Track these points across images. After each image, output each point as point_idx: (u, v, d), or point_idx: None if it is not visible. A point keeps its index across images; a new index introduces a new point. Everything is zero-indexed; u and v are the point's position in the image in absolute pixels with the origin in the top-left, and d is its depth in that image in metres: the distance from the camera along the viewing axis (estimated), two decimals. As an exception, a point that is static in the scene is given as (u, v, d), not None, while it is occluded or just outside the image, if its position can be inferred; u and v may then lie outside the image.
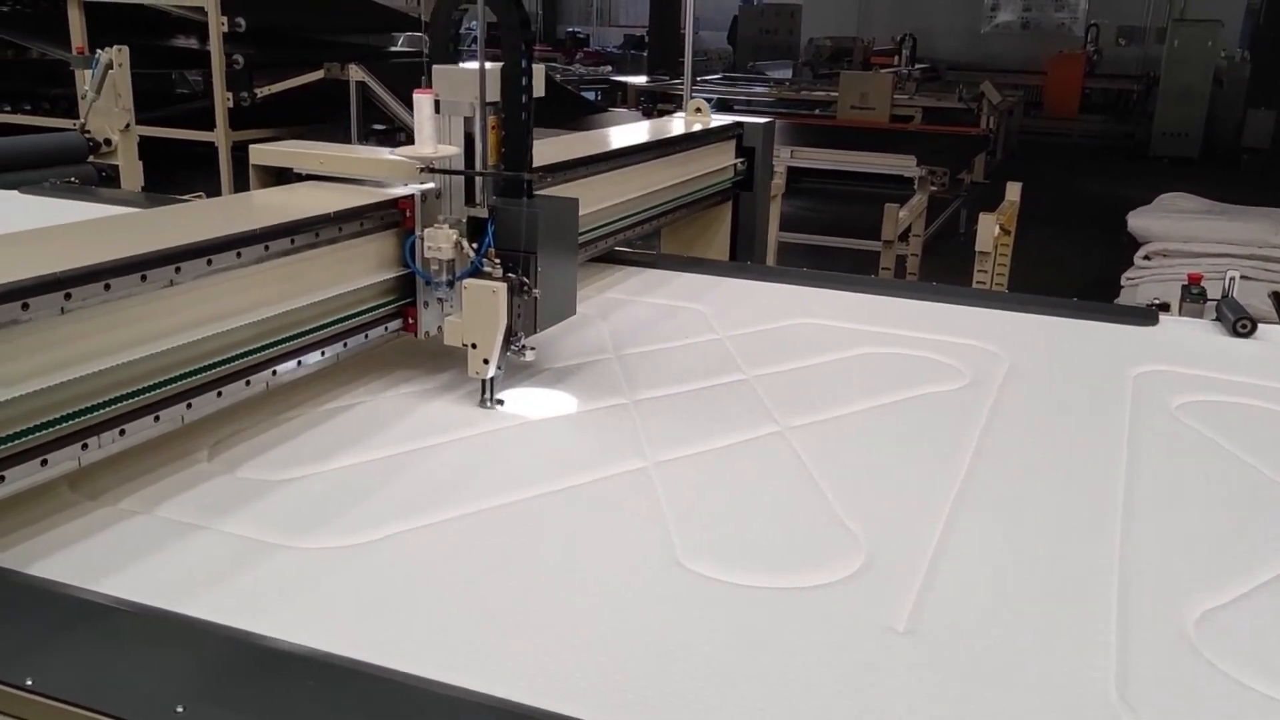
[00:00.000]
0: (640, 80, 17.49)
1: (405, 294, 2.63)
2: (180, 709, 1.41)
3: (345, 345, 2.50)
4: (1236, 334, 3.12)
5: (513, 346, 2.50)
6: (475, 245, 2.50)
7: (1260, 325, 3.12)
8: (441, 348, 2.58)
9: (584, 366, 2.83)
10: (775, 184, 6.90)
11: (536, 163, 2.54)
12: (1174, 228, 7.67)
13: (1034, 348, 3.01)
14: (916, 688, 1.55)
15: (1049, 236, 9.75)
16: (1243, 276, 3.63)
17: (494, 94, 2.48)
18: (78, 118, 6.03)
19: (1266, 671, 1.61)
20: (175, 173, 7.13)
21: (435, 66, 2.49)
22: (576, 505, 2.10)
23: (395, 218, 2.57)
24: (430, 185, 2.58)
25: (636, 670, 1.57)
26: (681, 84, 6.91)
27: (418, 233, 2.56)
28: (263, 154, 2.74)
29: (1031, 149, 16.50)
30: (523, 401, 2.60)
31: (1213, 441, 2.44)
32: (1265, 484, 2.24)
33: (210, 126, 8.14)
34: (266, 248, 2.27)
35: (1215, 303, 3.29)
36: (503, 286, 2.44)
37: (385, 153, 2.72)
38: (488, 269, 2.47)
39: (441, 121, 2.52)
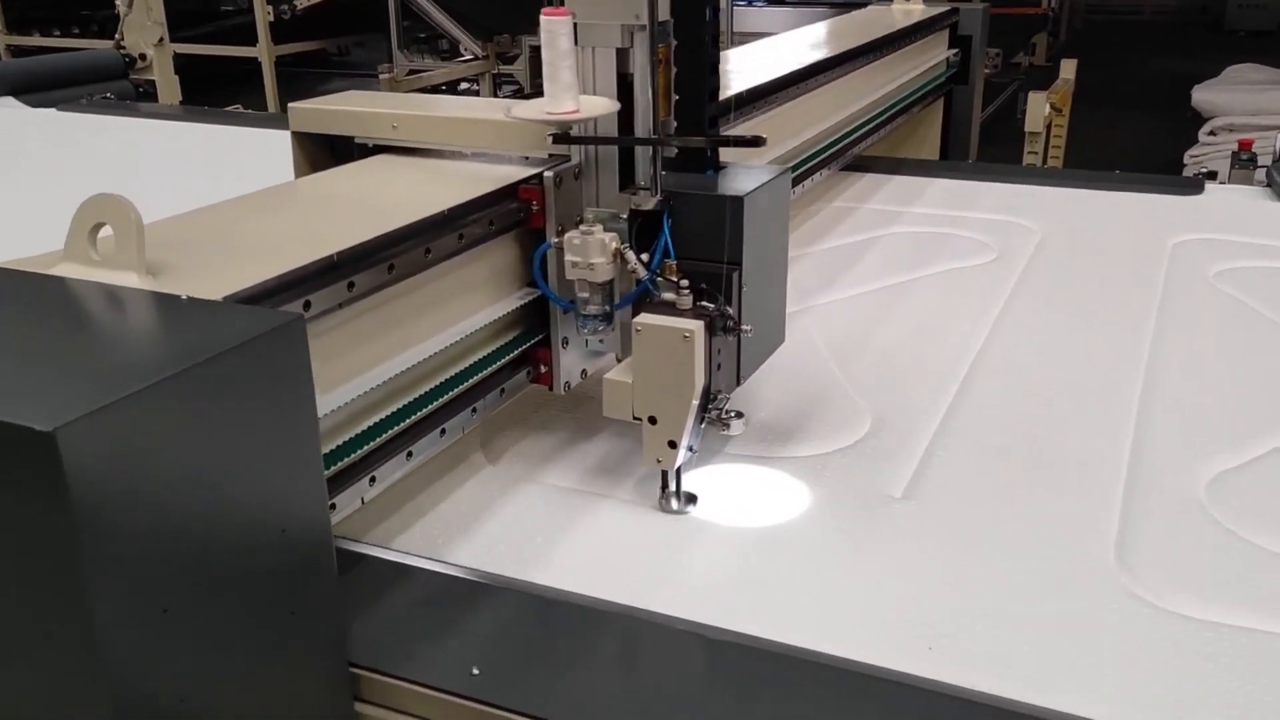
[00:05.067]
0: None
1: (529, 329, 1.48)
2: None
3: (474, 411, 1.39)
4: None
5: (710, 413, 1.37)
6: (644, 256, 1.36)
7: None
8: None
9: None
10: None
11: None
12: (1241, 100, 6.48)
13: (1070, 221, 2.54)
14: (910, 551, 1.32)
15: (1110, 117, 8.32)
16: None
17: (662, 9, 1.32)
18: (118, 37, 5.22)
19: (1274, 528, 1.35)
20: (215, 90, 5.90)
21: (570, -30, 1.31)
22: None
23: (515, 215, 1.41)
24: (570, 162, 1.42)
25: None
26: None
27: (551, 238, 1.41)
28: (306, 115, 1.56)
29: (1099, 29, 13.89)
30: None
31: (1248, 307, 2.05)
32: None
33: (252, 42, 6.78)
34: (351, 285, 1.18)
35: (1266, 168, 2.74)
36: (698, 327, 1.29)
37: (491, 108, 1.54)
38: (667, 295, 1.33)
39: (581, 58, 1.35)
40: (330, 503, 1.16)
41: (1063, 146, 6.30)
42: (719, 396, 1.37)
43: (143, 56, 5.30)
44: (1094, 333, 1.93)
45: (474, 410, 1.39)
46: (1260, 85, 6.57)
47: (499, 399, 1.43)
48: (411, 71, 6.54)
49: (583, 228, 1.35)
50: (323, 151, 1.55)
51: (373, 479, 1.25)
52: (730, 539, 1.36)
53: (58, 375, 0.85)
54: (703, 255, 1.36)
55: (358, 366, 1.24)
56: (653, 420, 1.34)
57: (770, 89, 2.14)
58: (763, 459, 1.53)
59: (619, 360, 1.53)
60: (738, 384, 1.42)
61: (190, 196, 1.34)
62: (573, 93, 1.32)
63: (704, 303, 1.33)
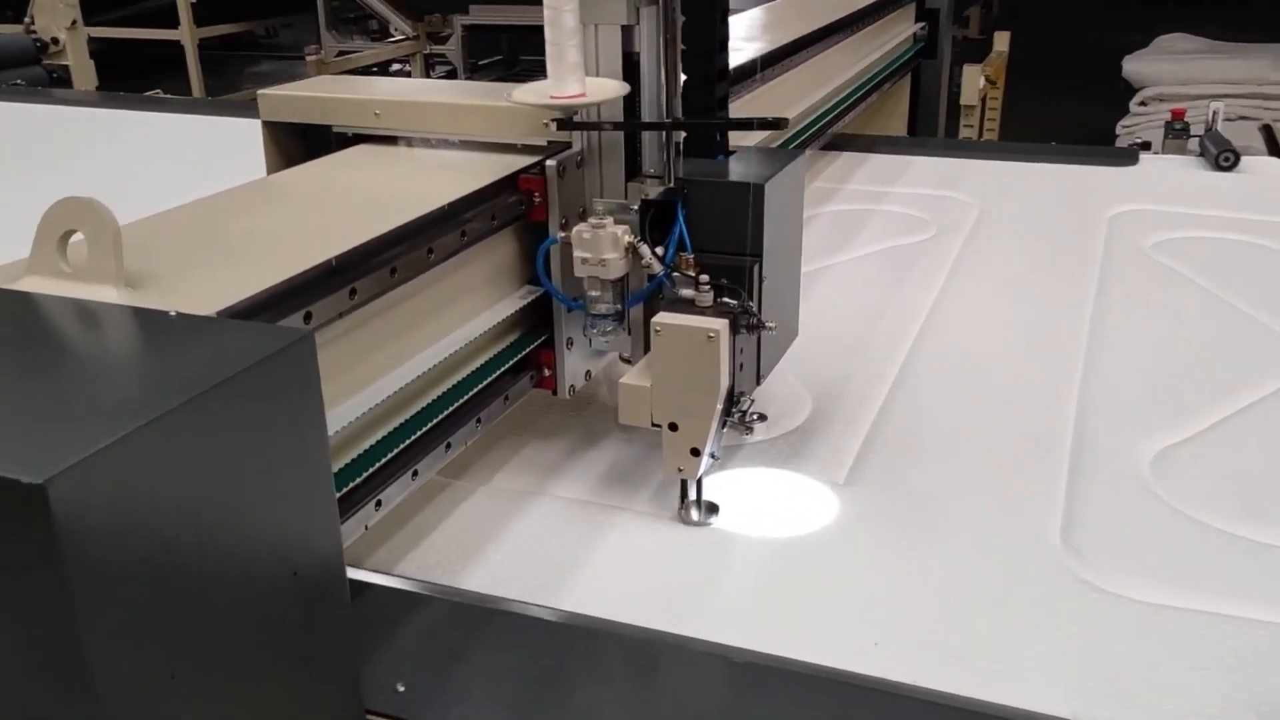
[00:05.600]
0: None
1: (531, 330, 1.37)
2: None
3: (478, 422, 1.28)
4: (1219, 168, 2.58)
5: (733, 415, 1.28)
6: (658, 249, 1.26)
7: (1244, 158, 2.59)
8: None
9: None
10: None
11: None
12: (1170, 70, 6.52)
13: (1007, 195, 2.51)
14: (853, 537, 1.29)
15: (1045, 89, 8.37)
16: (1240, 116, 2.93)
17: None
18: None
19: (1219, 505, 1.33)
20: (134, 76, 5.62)
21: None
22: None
23: (516, 208, 1.30)
24: (572, 150, 1.31)
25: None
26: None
27: (556, 232, 1.30)
28: (277, 103, 1.42)
29: (1031, 0, 14.46)
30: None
31: (1185, 278, 2.03)
32: (1236, 317, 1.86)
33: (173, 25, 6.47)
34: (353, 292, 1.06)
35: (1199, 138, 2.73)
36: (723, 325, 1.20)
37: (482, 93, 1.42)
38: (685, 291, 1.23)
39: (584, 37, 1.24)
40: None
41: (998, 119, 6.31)
42: (741, 398, 1.28)
43: (55, 41, 5.05)
44: (1034, 309, 1.91)
45: (478, 421, 1.28)
46: (1189, 54, 6.62)
47: (503, 406, 1.33)
48: (341, 53, 6.32)
49: (592, 220, 1.25)
50: (296, 142, 1.41)
51: (379, 503, 1.14)
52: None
53: (40, 413, 0.72)
54: (718, 247, 1.27)
55: (359, 381, 1.12)
56: (673, 427, 1.25)
57: (745, 72, 2.04)
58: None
59: (623, 360, 1.44)
60: (757, 383, 1.33)
61: (123, 191, 1.19)
62: (579, 74, 1.21)
63: (725, 299, 1.23)
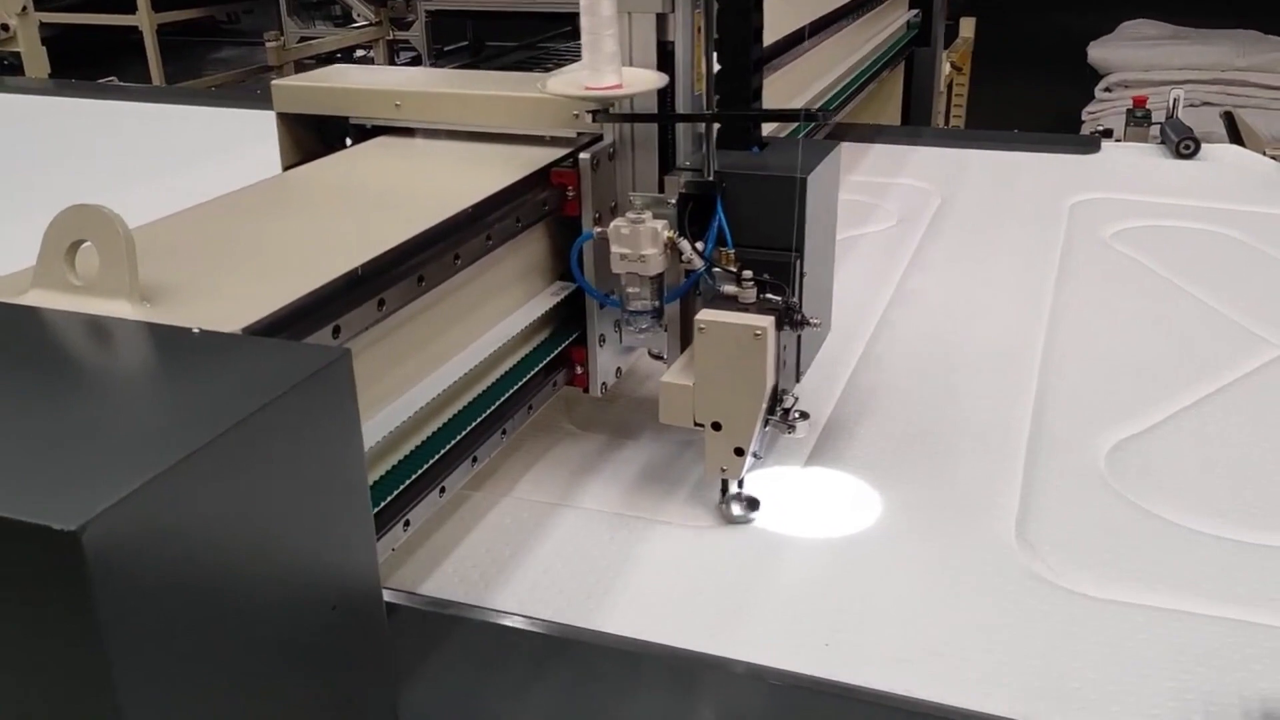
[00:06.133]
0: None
1: (563, 328, 1.33)
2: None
3: (504, 433, 1.22)
4: (1180, 155, 2.57)
5: (775, 413, 1.24)
6: (697, 244, 1.22)
7: (1205, 145, 2.58)
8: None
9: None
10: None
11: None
12: (1134, 56, 6.58)
13: (968, 183, 2.49)
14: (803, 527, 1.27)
15: (1011, 74, 8.39)
16: (1204, 102, 2.94)
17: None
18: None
19: (1175, 499, 1.31)
20: (89, 63, 5.46)
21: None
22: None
23: (547, 204, 1.25)
24: (604, 142, 1.26)
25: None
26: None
27: (590, 228, 1.25)
28: (291, 94, 1.35)
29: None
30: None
31: (1145, 267, 2.01)
32: (1195, 307, 1.85)
33: (131, 10, 6.28)
34: (381, 303, 1.00)
35: (1160, 125, 2.75)
36: (769, 323, 1.16)
37: (508, 83, 1.36)
38: (727, 287, 1.19)
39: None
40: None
41: (964, 106, 6.32)
42: (784, 396, 1.25)
43: (5, 27, 4.80)
44: (994, 299, 1.89)
45: (503, 433, 1.23)
46: (1153, 40, 6.66)
47: (526, 415, 1.27)
48: (302, 39, 6.18)
49: (630, 215, 1.20)
50: (311, 135, 1.35)
51: (407, 523, 1.08)
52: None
53: (62, 447, 0.65)
54: (759, 242, 1.23)
55: (387, 394, 1.06)
56: (716, 426, 1.21)
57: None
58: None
59: (652, 356, 1.40)
60: (796, 380, 1.30)
61: (92, 184, 1.12)
62: (615, 65, 1.17)
63: (768, 295, 1.19)
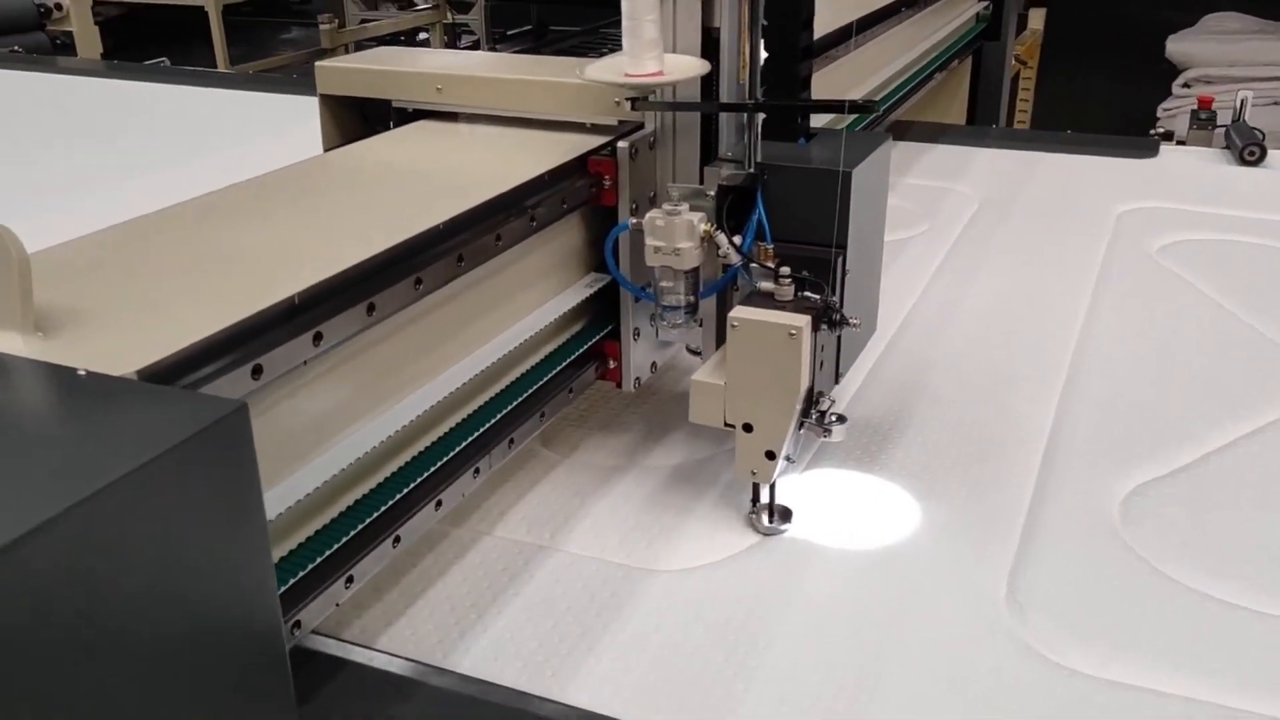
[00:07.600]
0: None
1: (596, 321, 1.31)
2: None
3: (542, 416, 1.21)
4: (1244, 162, 2.40)
5: (810, 416, 1.21)
6: (734, 238, 1.19)
7: (1271, 152, 2.40)
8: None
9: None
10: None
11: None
12: (1217, 51, 6.37)
13: (1011, 188, 2.33)
14: (792, 577, 1.16)
15: (1083, 69, 8.17)
16: None
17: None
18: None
19: (1195, 559, 1.15)
20: (149, 43, 5.53)
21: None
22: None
23: (584, 192, 1.23)
24: (644, 130, 1.24)
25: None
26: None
27: (626, 218, 1.23)
28: (334, 76, 1.35)
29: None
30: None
31: (1192, 286, 1.85)
32: (1241, 333, 1.68)
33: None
34: (418, 283, 0.99)
35: (1225, 128, 2.55)
36: (805, 322, 1.13)
37: (548, 68, 1.35)
38: (764, 284, 1.16)
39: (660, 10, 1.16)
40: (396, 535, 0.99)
41: (1030, 102, 6.18)
42: (820, 398, 1.21)
43: (59, 6, 4.83)
44: (1018, 319, 1.74)
45: (511, 442, 1.19)
46: (1238, 35, 6.46)
47: (539, 423, 1.24)
48: (363, 20, 6.22)
49: (666, 206, 1.17)
50: (354, 117, 1.34)
51: (438, 503, 1.07)
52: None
53: None
54: (800, 237, 1.20)
55: (425, 373, 1.05)
56: (748, 428, 1.18)
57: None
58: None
59: (690, 352, 1.38)
60: (835, 382, 1.26)
61: (131, 168, 1.07)
62: (656, 51, 1.14)
63: (806, 293, 1.16)
